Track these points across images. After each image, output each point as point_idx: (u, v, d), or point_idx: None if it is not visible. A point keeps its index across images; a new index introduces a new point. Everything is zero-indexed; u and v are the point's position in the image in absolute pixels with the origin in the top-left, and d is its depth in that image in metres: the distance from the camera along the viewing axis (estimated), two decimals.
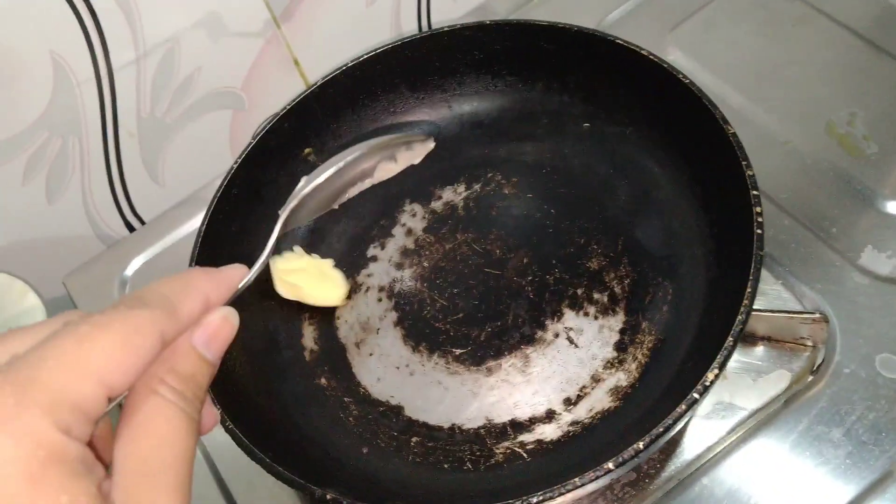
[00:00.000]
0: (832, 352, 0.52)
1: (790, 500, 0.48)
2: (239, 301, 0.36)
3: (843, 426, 0.49)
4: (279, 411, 0.53)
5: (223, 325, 0.32)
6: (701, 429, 0.51)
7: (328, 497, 0.43)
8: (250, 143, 0.60)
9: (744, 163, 0.47)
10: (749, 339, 0.53)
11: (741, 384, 0.52)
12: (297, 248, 0.59)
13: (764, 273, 0.50)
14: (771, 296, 0.55)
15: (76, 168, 0.69)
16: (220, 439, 0.61)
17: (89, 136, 0.67)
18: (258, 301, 0.58)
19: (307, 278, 0.58)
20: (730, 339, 0.42)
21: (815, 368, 0.52)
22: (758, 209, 0.46)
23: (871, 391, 0.50)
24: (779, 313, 0.52)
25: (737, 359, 0.52)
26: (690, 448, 0.51)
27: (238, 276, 0.36)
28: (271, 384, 0.55)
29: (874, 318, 0.53)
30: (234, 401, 0.50)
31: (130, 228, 0.75)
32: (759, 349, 0.53)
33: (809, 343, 0.52)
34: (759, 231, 0.45)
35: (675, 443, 0.51)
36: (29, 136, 0.64)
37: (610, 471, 0.40)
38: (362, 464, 0.51)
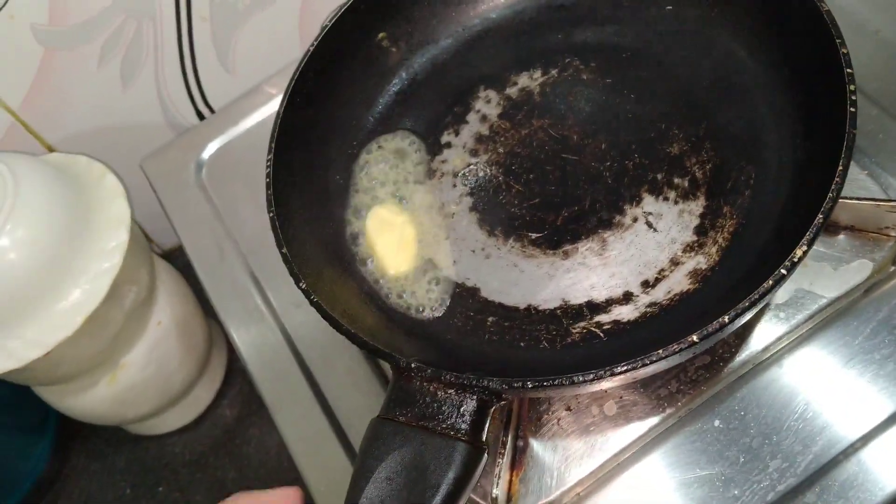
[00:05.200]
0: None
1: (867, 386, 0.48)
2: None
3: None
4: (357, 290, 0.54)
5: None
6: (778, 315, 0.51)
7: (412, 365, 0.44)
8: (325, 25, 0.59)
9: (838, 40, 0.46)
10: (831, 228, 0.52)
11: (822, 273, 0.51)
12: (404, 200, 0.59)
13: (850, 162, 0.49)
14: (856, 185, 0.54)
15: (150, 53, 0.69)
16: (298, 319, 0.63)
17: (163, 19, 0.67)
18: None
19: (388, 238, 0.57)
20: (820, 216, 0.41)
21: None
22: (851, 87, 0.44)
23: None
24: (865, 201, 0.51)
25: (817, 248, 0.52)
26: (766, 334, 0.51)
27: None
28: (348, 265, 0.56)
29: None
30: (315, 279, 0.51)
31: (201, 117, 0.76)
32: (841, 238, 0.52)
33: (893, 233, 0.51)
34: (852, 109, 0.43)
35: (750, 328, 0.51)
36: (106, 18, 0.64)
37: (694, 343, 0.40)
38: (440, 339, 0.52)
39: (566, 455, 0.51)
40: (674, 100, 0.56)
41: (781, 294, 0.52)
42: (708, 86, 0.56)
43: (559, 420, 0.52)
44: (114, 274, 0.63)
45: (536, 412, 0.52)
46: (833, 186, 0.42)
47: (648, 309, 0.50)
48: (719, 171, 0.52)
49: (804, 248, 0.41)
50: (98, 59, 0.68)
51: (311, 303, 0.48)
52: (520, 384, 0.42)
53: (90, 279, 0.62)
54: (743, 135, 0.53)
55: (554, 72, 0.61)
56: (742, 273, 0.48)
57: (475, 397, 0.44)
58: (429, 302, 0.54)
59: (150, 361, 0.75)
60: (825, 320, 0.51)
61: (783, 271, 0.41)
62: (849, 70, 0.44)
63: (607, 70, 0.59)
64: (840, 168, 0.42)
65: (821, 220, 0.41)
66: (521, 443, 0.52)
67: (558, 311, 0.51)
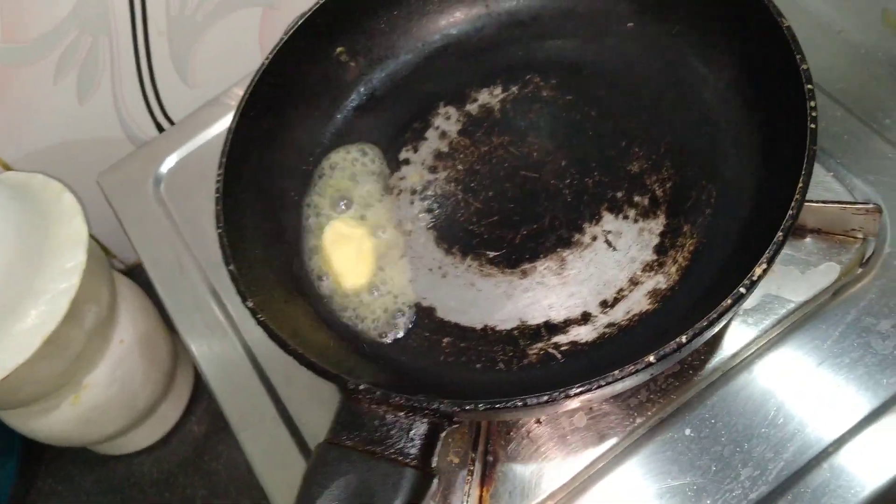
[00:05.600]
0: (882, 243, 0.51)
1: (837, 391, 0.47)
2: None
3: (892, 318, 0.48)
4: (310, 307, 0.52)
5: None
6: (746, 321, 0.50)
7: (360, 387, 0.43)
8: (282, 38, 0.58)
9: (798, 56, 0.45)
10: (798, 232, 0.52)
11: (789, 276, 0.51)
12: (362, 216, 0.57)
13: (815, 165, 0.49)
14: (822, 187, 0.53)
15: (106, 67, 0.68)
16: (260, 333, 0.61)
17: (119, 34, 0.67)
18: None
19: (345, 251, 0.56)
20: (780, 233, 0.40)
21: (864, 261, 0.51)
22: (812, 103, 0.43)
23: None
24: (830, 204, 0.50)
25: (785, 251, 0.51)
26: (736, 340, 0.50)
27: None
28: (301, 283, 0.54)
29: None
30: (264, 297, 0.49)
31: (160, 129, 0.74)
32: (808, 241, 0.52)
33: (860, 235, 0.51)
34: (812, 126, 0.43)
35: (720, 335, 0.50)
36: (59, 33, 0.63)
37: (651, 364, 0.39)
38: (393, 360, 0.50)
39: (537, 468, 0.49)
40: (634, 117, 0.55)
41: (750, 300, 0.50)
42: (669, 104, 0.55)
43: (529, 433, 0.50)
44: (72, 294, 0.61)
45: (506, 426, 0.51)
46: (793, 204, 0.41)
47: (607, 329, 0.48)
48: (680, 190, 0.51)
49: (763, 266, 0.40)
50: (54, 74, 0.67)
51: (258, 322, 0.46)
52: (471, 406, 0.40)
53: (48, 300, 0.61)
54: (704, 153, 0.52)
55: (514, 88, 0.60)
56: (702, 292, 0.47)
57: (426, 421, 0.42)
58: (384, 321, 0.52)
59: (114, 380, 0.74)
60: (794, 324, 0.50)
61: (742, 290, 0.39)
62: (809, 86, 0.44)
63: (568, 87, 0.58)
64: (801, 185, 0.41)
65: (780, 238, 0.40)
66: (490, 457, 0.50)
67: (515, 332, 0.50)
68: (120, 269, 0.96)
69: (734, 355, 0.49)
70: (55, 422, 0.71)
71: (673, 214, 0.51)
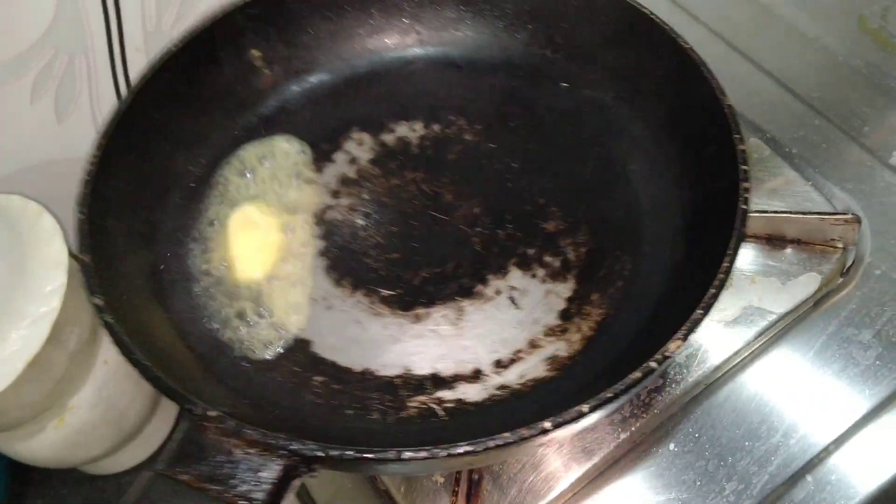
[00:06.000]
0: (863, 253, 0.51)
1: (819, 402, 0.47)
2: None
3: (873, 328, 0.48)
4: (172, 316, 0.45)
5: None
6: (729, 333, 0.49)
7: (210, 413, 0.36)
8: (198, 26, 0.53)
9: (736, 136, 0.43)
10: (778, 243, 0.51)
11: (770, 287, 0.50)
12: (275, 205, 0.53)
13: (793, 174, 0.50)
14: (800, 197, 0.53)
15: (84, 86, 0.68)
16: None
17: (96, 51, 0.66)
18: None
19: (249, 237, 0.51)
20: (699, 310, 0.37)
21: (845, 270, 0.50)
22: (746, 185, 0.42)
23: None
24: (809, 215, 0.50)
25: (765, 262, 0.51)
26: (718, 353, 0.49)
27: None
28: (169, 287, 0.48)
29: None
30: (120, 297, 0.43)
31: None
32: (789, 252, 0.51)
33: (840, 245, 0.51)
34: (744, 207, 0.41)
35: (701, 349, 0.49)
36: (35, 53, 0.63)
37: (546, 430, 0.35)
38: (253, 390, 0.44)
39: (523, 486, 0.48)
40: (556, 177, 0.52)
41: (732, 312, 0.50)
42: (594, 168, 0.53)
43: None
44: (53, 317, 0.61)
45: None
46: (716, 282, 0.38)
47: (498, 392, 0.44)
48: (594, 257, 0.49)
49: (679, 342, 0.37)
50: (30, 94, 0.66)
51: (104, 323, 0.40)
52: (338, 452, 0.35)
53: (29, 324, 0.61)
54: (623, 224, 0.50)
55: (436, 127, 0.56)
56: (604, 367, 0.43)
57: (281, 463, 0.36)
58: (253, 338, 0.46)
59: (100, 401, 0.72)
60: (775, 336, 0.49)
61: (653, 365, 0.36)
62: (744, 167, 0.42)
63: (493, 135, 0.55)
64: (726, 264, 0.39)
65: (700, 315, 0.37)
66: (475, 476, 0.48)
67: (397, 381, 0.45)
68: None
69: (717, 368, 0.49)
70: (41, 445, 0.71)
71: (583, 281, 0.48)
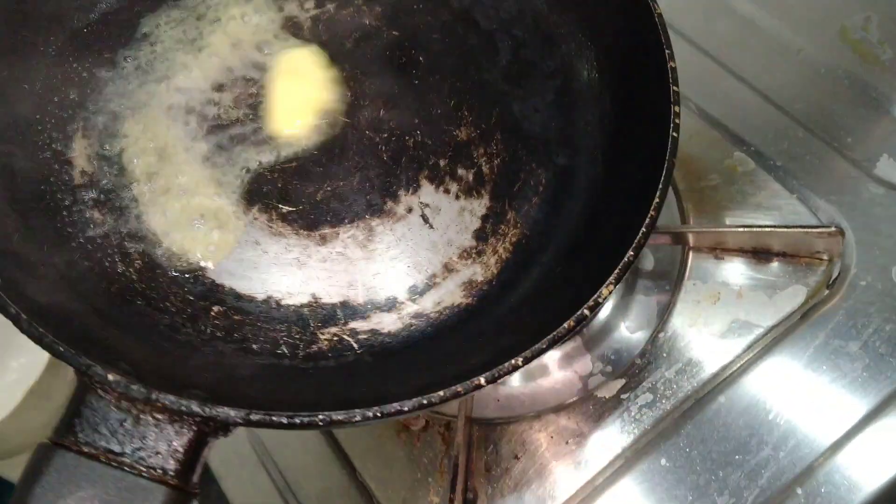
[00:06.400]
0: (848, 265, 0.51)
1: (808, 415, 0.48)
2: None
3: (860, 339, 0.49)
4: (37, 251, 0.39)
5: None
6: (717, 348, 0.49)
7: (110, 378, 0.32)
8: None
9: (668, 51, 0.41)
10: (763, 256, 0.51)
11: (756, 301, 0.50)
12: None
13: (777, 187, 0.49)
14: (785, 210, 0.53)
15: None
16: None
17: None
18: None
19: (296, 85, 0.47)
20: (630, 252, 0.36)
21: (830, 282, 0.50)
22: (676, 108, 0.40)
23: (887, 303, 0.50)
24: (794, 228, 0.50)
25: (751, 276, 0.51)
26: (707, 367, 0.49)
27: None
28: (26, 205, 0.41)
29: (890, 229, 0.52)
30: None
31: None
32: (774, 265, 0.51)
33: (825, 257, 0.51)
34: (674, 134, 0.39)
35: (690, 363, 0.49)
36: None
37: (480, 386, 0.33)
38: (144, 330, 0.39)
39: None
40: (469, 74, 0.48)
41: (718, 326, 0.50)
42: (508, 66, 0.48)
43: (508, 469, 0.48)
44: None
45: (485, 462, 0.47)
46: (647, 221, 0.37)
47: (414, 321, 0.42)
48: (508, 169, 0.46)
49: (611, 286, 0.36)
50: None
51: None
52: (261, 417, 0.32)
53: (28, 352, 0.63)
54: (538, 133, 0.47)
55: (330, 6, 0.49)
56: (521, 295, 0.42)
57: (193, 429, 0.33)
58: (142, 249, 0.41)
59: None
60: (763, 349, 0.49)
61: (586, 312, 0.35)
62: (675, 88, 0.40)
63: (395, 19, 0.49)
64: (657, 200, 0.37)
65: (630, 258, 0.36)
66: (470, 495, 0.47)
67: (306, 310, 0.42)
68: None
69: (706, 383, 0.48)
70: None
71: (498, 196, 0.45)
